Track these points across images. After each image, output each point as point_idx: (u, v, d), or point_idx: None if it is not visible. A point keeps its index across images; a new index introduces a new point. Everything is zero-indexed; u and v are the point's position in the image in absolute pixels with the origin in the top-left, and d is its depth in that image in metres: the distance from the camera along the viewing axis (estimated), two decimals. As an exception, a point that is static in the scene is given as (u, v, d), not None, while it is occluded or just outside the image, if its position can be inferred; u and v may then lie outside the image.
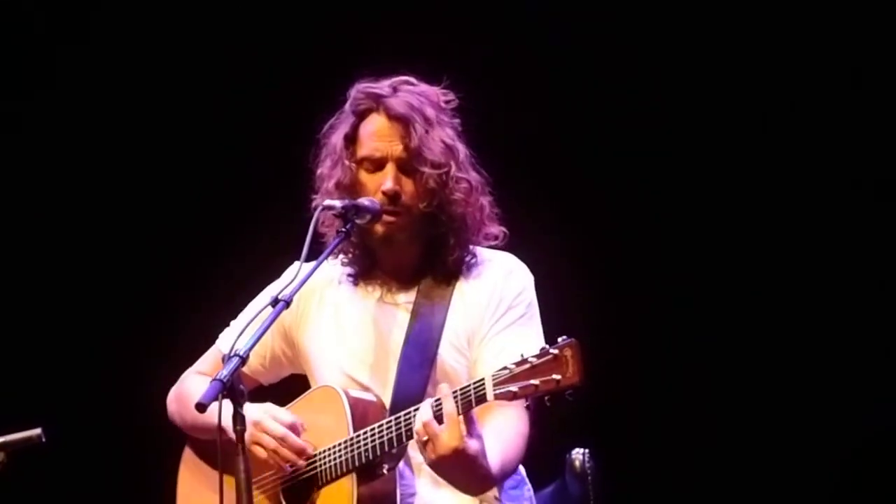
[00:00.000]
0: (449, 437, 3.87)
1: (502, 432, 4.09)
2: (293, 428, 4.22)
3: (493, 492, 4.22)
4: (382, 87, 4.32)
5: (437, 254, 4.32)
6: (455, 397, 3.91)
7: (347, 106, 4.36)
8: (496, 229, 4.37)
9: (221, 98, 6.18)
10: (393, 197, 4.24)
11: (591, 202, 5.89)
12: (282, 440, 4.20)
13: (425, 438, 3.90)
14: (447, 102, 4.36)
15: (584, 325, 4.03)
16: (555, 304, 4.38)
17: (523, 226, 4.49)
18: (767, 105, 5.84)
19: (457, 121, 4.37)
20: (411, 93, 4.31)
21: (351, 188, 4.30)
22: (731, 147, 5.85)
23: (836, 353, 5.75)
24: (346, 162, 4.32)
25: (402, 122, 4.26)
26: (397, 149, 4.26)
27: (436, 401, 3.93)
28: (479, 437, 3.92)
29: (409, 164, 4.26)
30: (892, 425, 5.72)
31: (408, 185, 4.26)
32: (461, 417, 3.88)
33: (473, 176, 4.33)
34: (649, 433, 5.82)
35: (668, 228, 5.90)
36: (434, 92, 4.35)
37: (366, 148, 4.30)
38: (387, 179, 4.25)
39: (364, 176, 4.30)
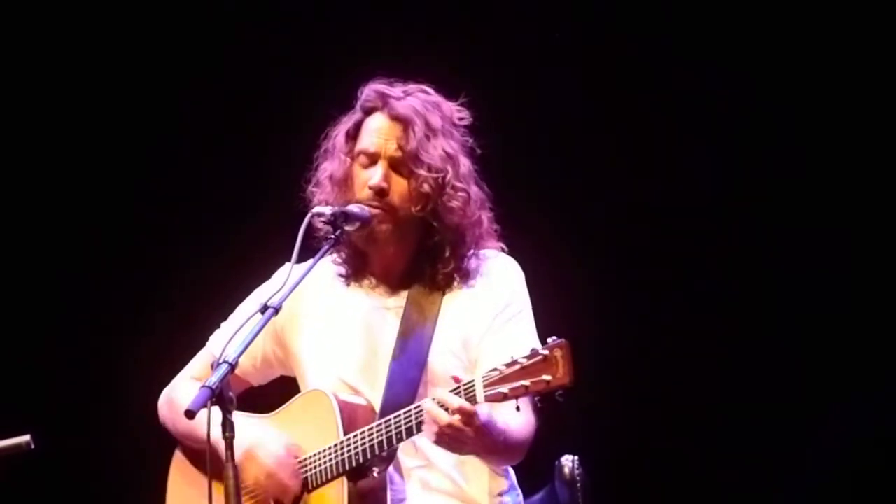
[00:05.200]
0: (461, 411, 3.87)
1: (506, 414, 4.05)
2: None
3: (485, 499, 4.24)
4: (394, 89, 4.34)
5: (431, 263, 4.30)
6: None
7: (358, 104, 4.37)
8: (494, 245, 4.36)
9: (219, 98, 6.18)
10: (379, 192, 4.24)
11: (582, 207, 5.92)
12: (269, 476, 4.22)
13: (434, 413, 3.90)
14: (460, 118, 4.37)
15: (576, 331, 4.03)
16: (548, 309, 4.39)
17: (516, 230, 4.49)
18: (758, 108, 5.85)
19: (466, 137, 4.38)
20: (422, 99, 4.33)
21: (343, 181, 4.32)
22: (728, 153, 5.86)
23: (833, 358, 5.76)
24: (343, 155, 4.34)
25: (403, 122, 4.28)
26: (392, 147, 4.27)
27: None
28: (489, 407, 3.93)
29: (403, 164, 4.26)
30: (892, 425, 5.72)
31: (399, 186, 4.26)
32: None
33: (474, 189, 4.32)
34: (638, 440, 5.82)
35: (657, 235, 5.91)
36: (448, 106, 4.37)
37: (363, 142, 4.31)
38: (375, 174, 4.25)
39: (357, 170, 4.31)
